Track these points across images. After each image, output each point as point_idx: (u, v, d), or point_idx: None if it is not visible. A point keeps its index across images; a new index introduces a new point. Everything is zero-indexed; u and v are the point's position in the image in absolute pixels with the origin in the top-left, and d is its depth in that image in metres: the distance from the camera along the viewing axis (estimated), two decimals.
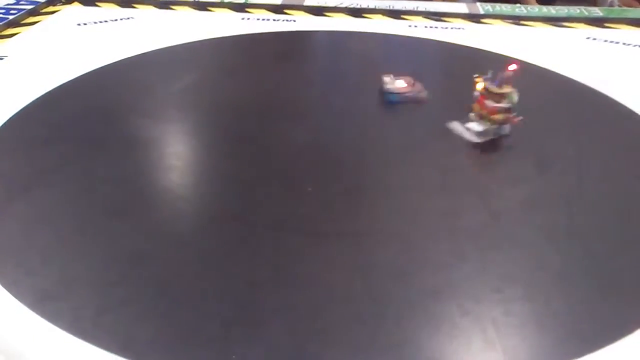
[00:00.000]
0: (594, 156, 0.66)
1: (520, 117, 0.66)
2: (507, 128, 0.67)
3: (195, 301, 0.45)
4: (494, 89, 0.65)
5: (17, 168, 0.61)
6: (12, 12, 1.04)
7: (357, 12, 1.14)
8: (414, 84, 0.77)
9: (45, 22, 1.05)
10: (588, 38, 1.04)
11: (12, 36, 0.97)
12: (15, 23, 1.02)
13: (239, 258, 0.49)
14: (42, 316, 0.42)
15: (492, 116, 0.66)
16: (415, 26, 1.09)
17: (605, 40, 1.02)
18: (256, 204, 0.56)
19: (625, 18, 1.14)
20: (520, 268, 0.49)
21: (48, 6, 1.12)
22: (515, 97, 0.65)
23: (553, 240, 0.52)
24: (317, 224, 0.54)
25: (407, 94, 0.76)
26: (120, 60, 0.87)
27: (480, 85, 0.66)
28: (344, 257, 0.50)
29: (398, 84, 0.77)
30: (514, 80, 0.64)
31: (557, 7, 1.19)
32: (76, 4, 1.16)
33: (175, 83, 0.82)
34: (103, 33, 1.01)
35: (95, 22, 1.05)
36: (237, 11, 1.14)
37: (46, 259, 0.48)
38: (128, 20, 1.07)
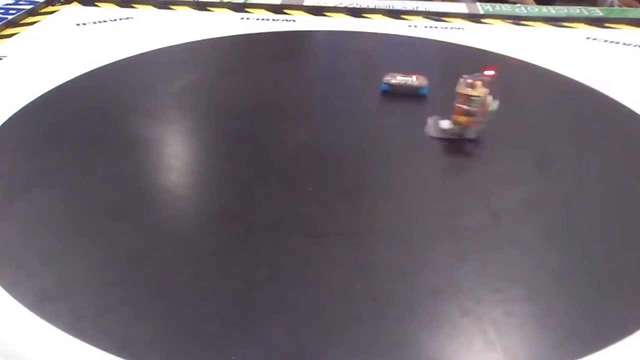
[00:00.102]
0: (594, 156, 0.66)
1: (484, 125, 0.64)
2: (472, 132, 0.65)
3: (194, 301, 0.44)
4: (463, 89, 0.63)
5: (17, 168, 0.61)
6: (11, 12, 1.04)
7: (357, 12, 1.14)
8: (416, 78, 0.78)
9: (44, 22, 1.05)
10: (588, 38, 1.04)
11: (11, 36, 0.97)
12: (14, 23, 1.02)
13: (238, 258, 0.49)
14: (41, 317, 0.42)
15: (454, 116, 0.65)
16: (415, 26, 1.09)
17: (605, 40, 1.02)
18: (256, 204, 0.56)
19: (625, 18, 1.14)
20: (520, 268, 0.49)
21: (47, 6, 1.12)
22: (495, 105, 0.64)
23: (553, 240, 0.52)
24: (317, 224, 0.54)
25: (398, 84, 0.77)
26: (119, 60, 0.87)
27: (458, 85, 0.64)
28: (344, 257, 0.49)
29: (397, 77, 0.78)
30: (492, 86, 0.63)
31: (557, 7, 1.19)
32: (75, 4, 1.16)
33: (175, 83, 0.82)
34: (102, 33, 1.01)
35: (95, 22, 1.05)
36: (237, 11, 1.14)
37: (45, 260, 0.48)
38: (127, 20, 1.07)
